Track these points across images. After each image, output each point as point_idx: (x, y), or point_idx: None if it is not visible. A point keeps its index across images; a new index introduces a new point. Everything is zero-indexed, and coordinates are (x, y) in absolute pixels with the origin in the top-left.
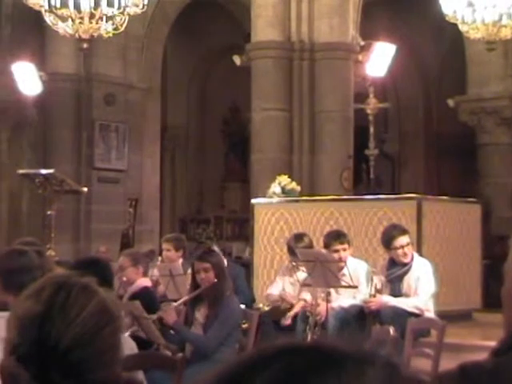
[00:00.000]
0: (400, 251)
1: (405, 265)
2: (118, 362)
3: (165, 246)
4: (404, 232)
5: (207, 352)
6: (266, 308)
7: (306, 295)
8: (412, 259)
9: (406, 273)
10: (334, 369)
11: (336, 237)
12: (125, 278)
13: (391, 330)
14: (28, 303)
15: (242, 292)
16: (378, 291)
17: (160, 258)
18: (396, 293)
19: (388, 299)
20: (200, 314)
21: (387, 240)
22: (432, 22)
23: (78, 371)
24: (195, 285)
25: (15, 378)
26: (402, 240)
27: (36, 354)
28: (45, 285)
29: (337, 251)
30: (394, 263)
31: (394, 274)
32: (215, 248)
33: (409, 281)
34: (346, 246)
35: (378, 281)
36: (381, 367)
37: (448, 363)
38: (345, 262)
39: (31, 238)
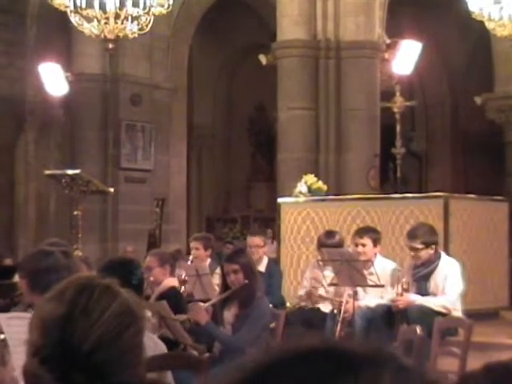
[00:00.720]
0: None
1: (430, 264)
2: (141, 362)
3: (193, 244)
4: (411, 236)
5: (236, 352)
6: (293, 306)
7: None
8: (438, 258)
9: (432, 272)
10: (350, 374)
11: (357, 232)
12: (152, 278)
13: (418, 330)
14: (51, 305)
15: (274, 292)
16: (405, 290)
17: (191, 258)
18: (422, 292)
19: (415, 298)
20: (230, 314)
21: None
22: (458, 19)
23: (102, 372)
24: (225, 286)
25: (38, 380)
26: (409, 244)
27: (59, 355)
28: (67, 286)
29: (356, 245)
30: (420, 264)
31: (420, 273)
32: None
33: (436, 280)
34: (364, 241)
35: (406, 280)
36: (395, 370)
37: (475, 362)
38: (367, 257)
39: (58, 238)
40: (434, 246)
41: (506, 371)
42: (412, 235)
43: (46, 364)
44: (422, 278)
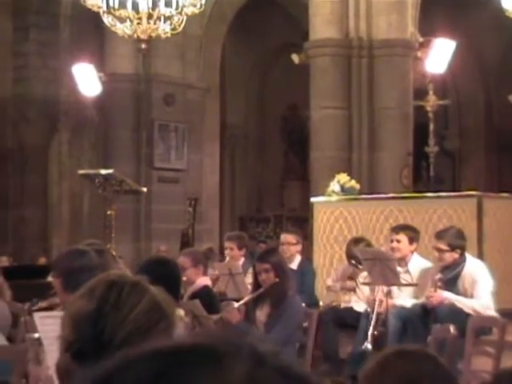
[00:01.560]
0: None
1: (456, 267)
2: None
3: (227, 244)
4: (438, 236)
5: None
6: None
7: (367, 292)
8: (464, 261)
9: (458, 275)
10: (193, 367)
11: (393, 228)
12: (185, 278)
13: (451, 329)
14: (81, 302)
15: (307, 291)
16: (439, 288)
17: (227, 258)
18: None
19: (448, 295)
20: (262, 313)
21: None
22: (492, 17)
23: None
24: (257, 285)
25: (70, 375)
26: (435, 244)
27: (91, 350)
28: (97, 284)
29: (391, 241)
30: (445, 267)
31: (447, 277)
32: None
33: (463, 283)
34: (400, 237)
35: (439, 277)
36: (245, 358)
37: (509, 362)
38: (402, 254)
39: (93, 238)
40: (459, 251)
41: None
42: (439, 236)
43: (78, 359)
44: (448, 282)
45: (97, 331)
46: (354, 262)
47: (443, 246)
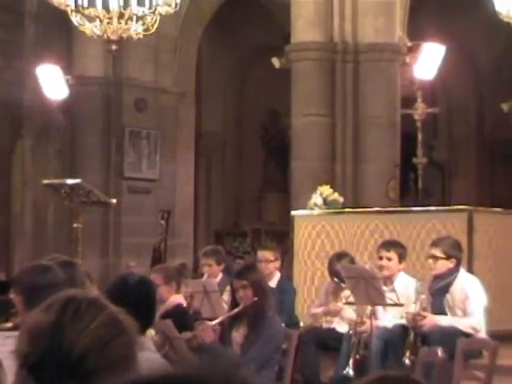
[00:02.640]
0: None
1: (448, 277)
2: (133, 373)
3: (205, 261)
4: (433, 244)
5: None
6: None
7: (350, 313)
8: (457, 272)
9: (449, 285)
10: None
11: (383, 244)
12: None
13: (439, 352)
14: (38, 315)
15: (286, 310)
16: (424, 309)
17: (205, 276)
18: (437, 307)
19: (440, 319)
20: (238, 334)
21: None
22: (485, 20)
23: (92, 380)
24: (235, 303)
25: None
26: (430, 251)
27: (48, 363)
28: (54, 300)
29: (380, 258)
30: (436, 277)
31: (437, 286)
32: None
33: (453, 295)
34: (391, 255)
35: (425, 297)
36: None
37: None
38: (390, 273)
39: (58, 253)
40: (454, 261)
41: None
42: (435, 243)
43: (34, 373)
44: (438, 292)
45: (55, 344)
46: (336, 279)
47: (438, 254)
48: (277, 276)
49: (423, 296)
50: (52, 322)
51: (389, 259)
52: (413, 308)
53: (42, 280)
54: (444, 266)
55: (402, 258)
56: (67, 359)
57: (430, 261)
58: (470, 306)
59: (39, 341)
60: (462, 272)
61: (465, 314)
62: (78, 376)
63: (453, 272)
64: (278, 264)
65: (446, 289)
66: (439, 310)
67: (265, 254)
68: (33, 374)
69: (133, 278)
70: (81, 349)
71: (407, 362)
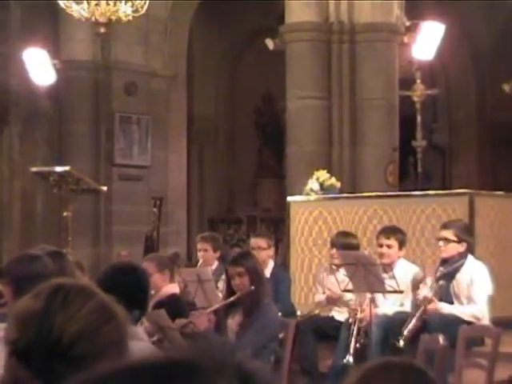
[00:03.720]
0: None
1: (455, 262)
2: (124, 358)
3: (201, 245)
4: (445, 226)
5: None
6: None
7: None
8: (465, 257)
9: (456, 271)
10: (174, 382)
11: (383, 231)
12: (152, 292)
13: (441, 339)
14: (27, 302)
15: (283, 300)
16: (435, 295)
17: (200, 261)
18: (443, 292)
19: (444, 306)
20: (233, 322)
21: None
22: None
23: (82, 366)
24: (230, 291)
25: (17, 379)
26: (441, 233)
27: (38, 349)
28: (43, 288)
29: (380, 246)
30: (444, 261)
31: (444, 272)
32: None
33: (459, 281)
34: (391, 242)
35: (430, 286)
36: (231, 376)
37: (504, 375)
38: (391, 260)
39: (48, 243)
40: (465, 245)
41: None
42: (447, 225)
43: (24, 360)
44: (444, 277)
45: (44, 329)
46: (335, 266)
47: (450, 236)
48: (271, 264)
49: (440, 282)
50: (41, 309)
51: (389, 247)
52: (426, 292)
53: (30, 270)
54: (455, 249)
55: (402, 244)
56: (57, 345)
57: (441, 243)
58: (474, 293)
59: (28, 327)
60: (471, 258)
61: (469, 301)
62: (67, 362)
63: (462, 257)
64: (271, 252)
65: (452, 275)
66: (445, 297)
67: (258, 242)
68: (22, 360)
69: (124, 266)
70: (70, 335)
71: (401, 343)
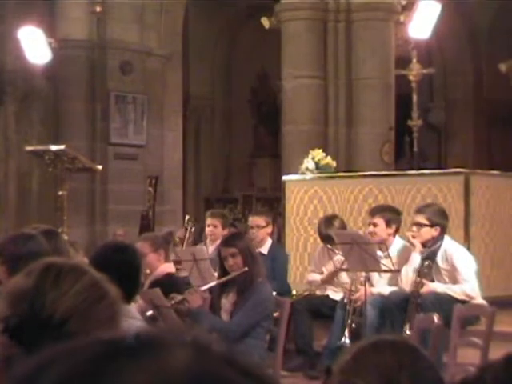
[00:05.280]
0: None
1: (432, 245)
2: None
3: (211, 221)
4: (418, 210)
5: (231, 339)
6: (300, 293)
7: (345, 278)
8: (441, 239)
9: (434, 253)
10: (133, 353)
11: (370, 210)
12: (148, 271)
13: (436, 318)
14: (18, 280)
15: (279, 278)
16: (425, 276)
17: (208, 237)
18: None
19: (437, 286)
20: (227, 301)
21: None
22: None
23: None
24: (223, 272)
25: (9, 356)
26: (414, 218)
27: (30, 326)
28: (35, 266)
29: (369, 225)
30: (423, 244)
31: (423, 256)
32: None
33: (438, 263)
34: (376, 220)
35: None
36: (188, 347)
37: (498, 353)
38: (380, 238)
39: (43, 223)
40: (438, 228)
41: None
42: (419, 210)
43: (16, 337)
44: (422, 261)
45: (36, 306)
46: (329, 246)
47: (422, 221)
48: (268, 242)
49: (426, 263)
50: (33, 286)
51: (374, 225)
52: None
53: (25, 249)
54: (428, 233)
55: (389, 222)
56: (49, 322)
57: (414, 228)
58: (462, 274)
59: (20, 304)
60: (447, 240)
61: (455, 282)
62: (59, 339)
63: (436, 240)
64: (269, 230)
65: (431, 258)
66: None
67: (256, 220)
68: (15, 337)
69: (116, 245)
70: (62, 312)
71: (407, 332)
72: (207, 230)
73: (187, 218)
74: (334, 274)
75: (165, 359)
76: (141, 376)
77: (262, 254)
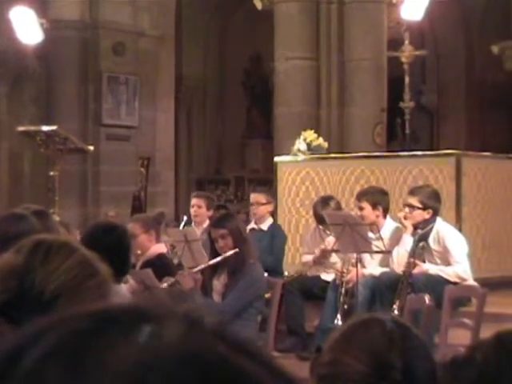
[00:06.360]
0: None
1: (424, 226)
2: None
3: (196, 201)
4: (411, 192)
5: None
6: (292, 274)
7: (336, 259)
8: (434, 221)
9: (427, 235)
10: (122, 325)
11: (357, 195)
12: (139, 252)
13: (427, 299)
14: (8, 257)
15: (276, 256)
16: (419, 257)
17: (193, 216)
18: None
19: (430, 267)
20: (219, 282)
21: None
22: None
23: None
24: (214, 253)
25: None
26: (407, 200)
27: (19, 303)
28: (24, 244)
29: (358, 209)
30: (414, 227)
31: (416, 238)
32: None
33: (431, 245)
34: (362, 204)
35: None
36: (179, 320)
37: (489, 335)
38: (369, 221)
39: (35, 203)
40: (430, 211)
41: None
42: (412, 192)
43: (6, 314)
44: (416, 243)
45: (26, 283)
46: (321, 226)
47: (415, 203)
48: (269, 220)
49: (421, 244)
50: (23, 263)
51: (361, 209)
52: (400, 256)
53: (16, 229)
54: (420, 216)
55: (375, 204)
56: (38, 299)
57: (407, 209)
58: (454, 255)
59: (10, 281)
60: (439, 222)
61: (447, 264)
62: (50, 315)
63: (428, 223)
64: (270, 208)
65: (424, 239)
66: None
67: (257, 197)
68: (4, 314)
69: (105, 225)
70: (52, 289)
71: (395, 312)
72: (192, 210)
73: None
74: (325, 254)
75: (155, 332)
76: (130, 349)
77: (262, 230)
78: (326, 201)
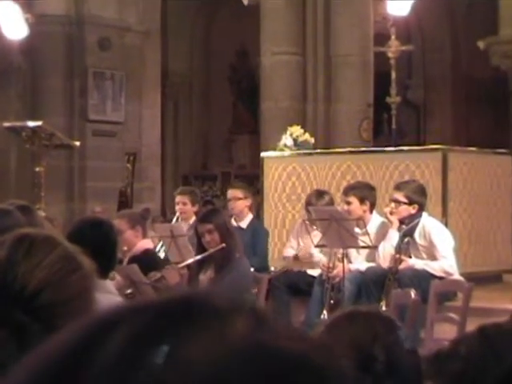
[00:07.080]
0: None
1: (410, 222)
2: (89, 311)
3: (180, 199)
4: (397, 187)
5: None
6: (278, 270)
7: (322, 256)
8: (420, 217)
9: (412, 230)
10: (192, 320)
11: (343, 188)
12: (125, 248)
13: (413, 294)
14: None
15: (260, 253)
16: (405, 253)
17: (177, 214)
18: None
19: (415, 262)
20: (205, 277)
21: None
22: None
23: (47, 315)
24: (201, 248)
25: None
26: (393, 195)
27: (1, 297)
28: (7, 238)
29: (345, 204)
30: (400, 222)
31: (401, 233)
32: None
33: (417, 240)
34: (350, 199)
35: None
36: (247, 316)
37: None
38: (356, 216)
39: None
40: (416, 206)
41: (501, 332)
42: (398, 187)
43: None
44: (401, 238)
45: (8, 278)
46: (307, 221)
47: (401, 198)
48: (249, 216)
49: (406, 240)
50: (5, 257)
51: (348, 203)
52: (386, 250)
53: (1, 224)
54: (406, 211)
55: (363, 199)
56: (21, 294)
57: (393, 205)
58: (440, 250)
59: None
60: (425, 217)
61: (433, 259)
62: (31, 311)
63: (414, 218)
64: (248, 202)
65: (410, 234)
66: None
67: (233, 192)
68: None
69: (91, 220)
70: (35, 284)
71: (383, 307)
72: (177, 208)
73: None
74: (307, 254)
75: (223, 327)
76: (202, 341)
77: (241, 229)
78: (321, 194)
